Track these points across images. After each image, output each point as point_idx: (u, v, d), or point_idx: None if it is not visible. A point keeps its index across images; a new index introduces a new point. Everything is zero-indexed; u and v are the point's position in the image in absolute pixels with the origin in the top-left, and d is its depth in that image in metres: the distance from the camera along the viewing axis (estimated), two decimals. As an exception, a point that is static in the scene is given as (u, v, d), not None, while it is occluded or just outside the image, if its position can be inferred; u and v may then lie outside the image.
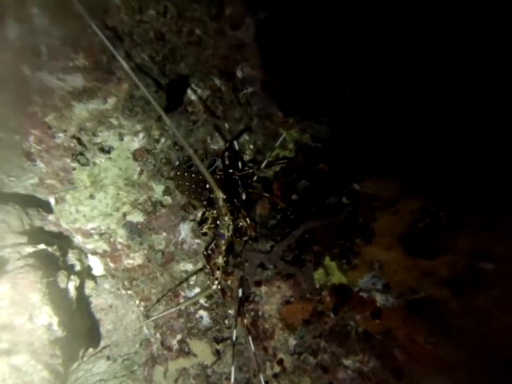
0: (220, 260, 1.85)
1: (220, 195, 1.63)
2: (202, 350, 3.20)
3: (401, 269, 1.40)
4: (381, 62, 1.63)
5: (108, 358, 3.99)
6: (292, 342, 1.51)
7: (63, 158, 2.28)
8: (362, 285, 1.47)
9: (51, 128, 2.04)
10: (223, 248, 1.87)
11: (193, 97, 2.67)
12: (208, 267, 2.02)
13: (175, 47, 1.89)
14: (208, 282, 1.91)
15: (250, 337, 1.54)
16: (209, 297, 2.73)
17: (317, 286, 1.53)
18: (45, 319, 2.67)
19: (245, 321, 1.57)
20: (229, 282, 2.12)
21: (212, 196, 1.84)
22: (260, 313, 1.57)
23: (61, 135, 2.12)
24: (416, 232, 1.43)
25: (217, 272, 1.86)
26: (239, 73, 2.01)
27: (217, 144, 2.61)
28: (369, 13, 1.53)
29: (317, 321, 1.49)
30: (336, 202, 1.67)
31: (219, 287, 1.88)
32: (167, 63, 1.94)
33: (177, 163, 2.83)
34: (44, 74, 1.69)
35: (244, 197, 1.98)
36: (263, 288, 1.57)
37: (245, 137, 2.24)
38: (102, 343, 3.94)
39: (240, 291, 1.64)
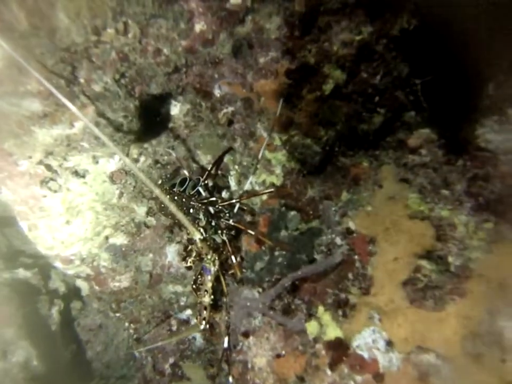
0: (207, 299, 1.69)
1: (197, 236, 1.46)
2: (196, 373, 3.08)
3: (405, 323, 1.24)
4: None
5: (101, 379, 3.85)
6: (285, 400, 1.37)
7: (31, 186, 2.08)
8: (360, 340, 1.32)
9: (12, 156, 1.84)
10: (209, 285, 1.71)
11: (173, 112, 2.47)
12: (198, 301, 1.86)
13: (142, 68, 1.69)
14: (195, 320, 1.76)
15: None
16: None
17: (310, 338, 1.38)
18: (21, 355, 2.51)
19: (230, 378, 1.42)
20: (217, 318, 1.97)
21: (188, 236, 1.67)
22: (249, 365, 1.42)
23: (25, 162, 1.92)
24: (420, 279, 1.28)
25: (204, 312, 1.71)
26: (216, 92, 1.83)
27: (199, 163, 2.43)
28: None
29: (312, 378, 1.34)
30: (330, 242, 1.51)
31: (207, 326, 1.72)
32: (136, 84, 1.75)
33: (159, 182, 2.64)
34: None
35: (227, 230, 1.81)
36: (252, 339, 1.42)
37: (229, 157, 2.06)
38: (93, 366, 3.79)
39: (226, 340, 1.49)
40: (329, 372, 1.33)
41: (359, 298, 1.39)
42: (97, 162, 2.28)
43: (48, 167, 2.13)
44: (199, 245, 1.54)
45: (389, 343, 1.28)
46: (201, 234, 1.48)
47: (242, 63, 1.70)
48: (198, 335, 3.15)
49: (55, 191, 2.26)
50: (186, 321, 3.23)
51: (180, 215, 1.38)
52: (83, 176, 2.29)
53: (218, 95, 1.81)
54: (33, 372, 2.50)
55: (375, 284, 1.38)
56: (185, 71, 1.77)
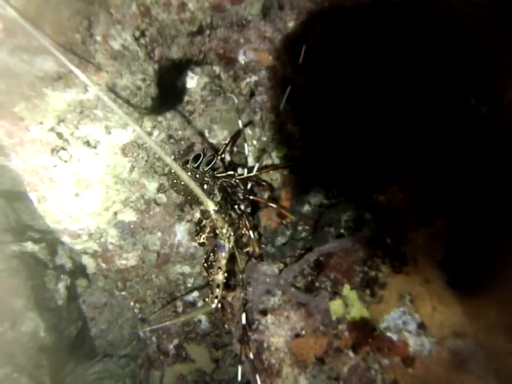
0: (220, 277, 1.61)
1: (211, 207, 1.37)
2: (200, 355, 3.05)
3: (441, 306, 1.15)
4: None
5: (104, 356, 3.85)
6: (303, 382, 1.29)
7: (41, 155, 2.00)
8: (389, 322, 1.23)
9: (23, 120, 1.75)
10: (223, 262, 1.64)
11: (189, 85, 2.37)
12: (209, 280, 1.79)
13: (164, 25, 1.58)
14: (207, 299, 1.69)
15: (257, 375, 1.32)
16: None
17: (333, 318, 1.30)
18: (29, 326, 2.49)
19: (251, 353, 1.35)
20: (229, 298, 1.90)
21: (202, 208, 1.58)
22: (265, 345, 1.35)
23: (36, 128, 1.84)
24: (460, 259, 1.18)
25: (217, 290, 1.64)
26: (241, 59, 1.72)
27: (216, 138, 2.33)
28: None
29: (333, 360, 1.26)
30: (357, 218, 1.42)
31: (219, 305, 1.65)
32: (156, 45, 1.64)
33: (172, 158, 2.56)
34: (2, 54, 1.39)
35: (245, 204, 1.72)
36: (270, 318, 1.35)
37: (248, 132, 1.96)
38: (96, 343, 3.79)
39: (243, 317, 1.41)
40: (352, 354, 1.25)
41: (389, 277, 1.30)
42: (109, 133, 2.20)
43: (60, 135, 2.06)
44: (214, 216, 1.45)
45: (421, 326, 1.20)
46: (216, 205, 1.40)
47: (271, 26, 1.59)
48: (204, 318, 3.11)
49: (66, 161, 2.19)
50: (192, 304, 3.19)
51: (193, 185, 1.29)
52: (94, 147, 2.21)
53: (242, 62, 1.71)
54: (41, 342, 2.48)
55: (408, 262, 1.29)
56: (209, 34, 1.66)
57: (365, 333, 1.26)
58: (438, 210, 1.22)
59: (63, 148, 2.13)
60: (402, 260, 1.30)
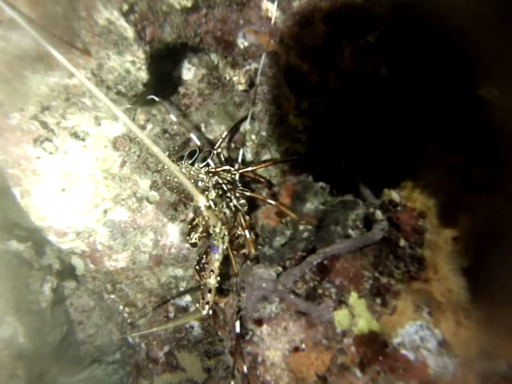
0: (212, 281, 1.47)
1: (202, 202, 1.23)
2: (191, 364, 2.89)
3: (466, 321, 0.99)
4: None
5: (91, 362, 3.67)
6: (302, 403, 1.14)
7: (22, 144, 1.86)
8: (404, 337, 1.07)
9: (1, 106, 1.62)
10: (216, 265, 1.49)
11: (186, 76, 2.24)
12: (201, 284, 1.64)
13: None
14: (197, 305, 1.54)
15: None
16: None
17: (338, 330, 1.14)
18: (7, 331, 2.33)
19: (244, 367, 1.20)
20: (222, 304, 1.74)
21: (192, 204, 1.44)
22: (260, 359, 1.20)
23: (16, 114, 1.70)
24: (490, 266, 1.02)
25: (208, 295, 1.49)
26: (240, 42, 1.59)
27: (212, 133, 2.20)
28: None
29: (336, 379, 1.10)
30: (367, 217, 1.27)
31: (210, 312, 1.50)
32: (147, 24, 1.51)
33: (166, 154, 2.41)
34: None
35: (241, 201, 1.58)
36: (265, 328, 1.19)
37: (247, 125, 1.83)
38: (83, 349, 3.61)
39: (237, 325, 1.26)
40: (359, 373, 1.09)
41: (404, 285, 1.14)
42: (99, 124, 2.06)
43: (44, 125, 1.91)
44: (205, 213, 1.31)
45: (443, 344, 1.04)
46: (207, 200, 1.25)
47: (274, 5, 1.46)
48: (196, 324, 2.95)
49: (51, 153, 2.04)
50: (184, 309, 3.03)
51: (183, 178, 1.15)
52: (83, 139, 2.07)
53: (242, 47, 1.58)
54: (18, 349, 2.31)
55: (426, 268, 1.13)
56: (206, 14, 1.53)
57: (375, 348, 1.10)
58: (463, 208, 1.07)
59: (47, 139, 1.99)
60: (419, 265, 1.14)
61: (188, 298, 2.86)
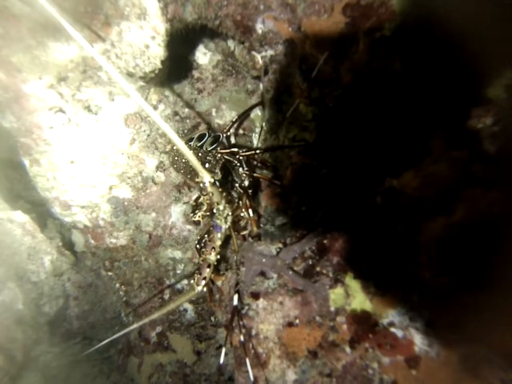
0: (212, 257, 1.50)
1: (206, 178, 1.26)
2: (182, 346, 2.93)
3: (453, 303, 1.04)
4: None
5: (83, 339, 3.71)
6: (291, 376, 1.17)
7: (37, 113, 1.90)
8: (394, 317, 1.12)
9: (20, 72, 1.65)
10: (218, 243, 1.53)
11: (201, 61, 2.27)
12: (200, 260, 1.67)
13: None
14: (192, 281, 1.58)
15: (248, 362, 1.20)
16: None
17: (332, 308, 1.18)
18: (7, 296, 2.38)
19: (241, 336, 1.24)
20: (219, 283, 1.78)
21: (197, 180, 1.48)
22: (254, 332, 1.24)
23: (34, 83, 1.73)
24: (479, 254, 1.06)
25: (207, 270, 1.52)
26: (258, 27, 1.62)
27: (223, 119, 2.24)
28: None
29: (326, 355, 1.15)
30: (368, 203, 1.31)
31: (205, 289, 1.54)
32: (170, 1, 1.54)
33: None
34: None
35: (246, 182, 1.62)
36: (261, 302, 1.23)
37: (257, 112, 1.86)
38: (76, 324, 3.65)
39: (235, 298, 1.30)
40: (348, 350, 1.13)
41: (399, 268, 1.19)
42: (113, 99, 2.10)
43: (60, 95, 1.95)
44: (209, 189, 1.34)
45: (430, 324, 1.08)
46: (212, 177, 1.29)
47: (295, -9, 1.49)
48: (190, 308, 2.99)
49: (63, 124, 2.08)
50: (180, 292, 3.07)
51: (189, 154, 1.18)
52: (95, 113, 2.11)
53: (260, 32, 1.61)
54: (17, 315, 2.36)
55: (421, 253, 1.17)
56: (228, -3, 1.57)
57: (366, 327, 1.14)
58: (459, 198, 1.11)
59: (61, 110, 2.02)
60: (414, 250, 1.18)
61: (184, 281, 2.90)
